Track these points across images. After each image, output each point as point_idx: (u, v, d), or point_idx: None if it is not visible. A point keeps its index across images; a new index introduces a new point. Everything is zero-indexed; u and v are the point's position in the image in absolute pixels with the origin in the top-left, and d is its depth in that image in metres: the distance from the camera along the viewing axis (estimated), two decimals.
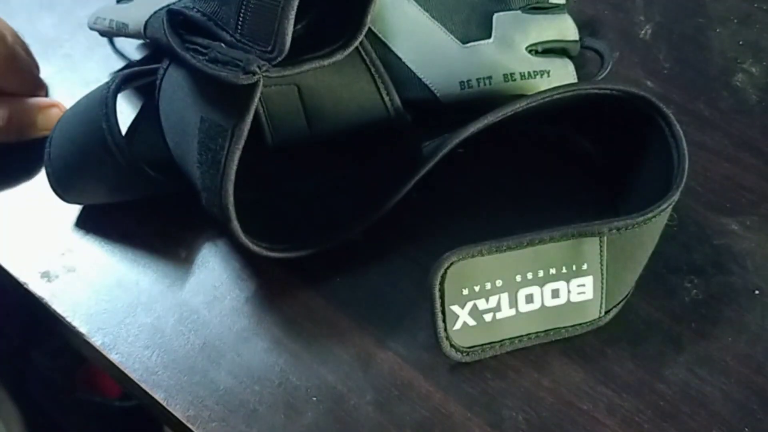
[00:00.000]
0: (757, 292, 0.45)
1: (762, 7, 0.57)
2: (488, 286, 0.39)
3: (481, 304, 0.39)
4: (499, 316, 0.40)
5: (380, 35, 0.48)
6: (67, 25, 0.59)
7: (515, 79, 0.47)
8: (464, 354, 0.40)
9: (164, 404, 0.42)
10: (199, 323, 0.44)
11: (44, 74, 0.55)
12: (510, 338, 0.41)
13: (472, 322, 0.40)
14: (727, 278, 0.45)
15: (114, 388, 0.83)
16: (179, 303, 0.45)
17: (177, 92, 0.43)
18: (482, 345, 0.41)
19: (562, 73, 0.48)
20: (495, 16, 0.48)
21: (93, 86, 0.46)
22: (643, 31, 0.56)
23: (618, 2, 0.58)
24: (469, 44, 0.48)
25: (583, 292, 0.40)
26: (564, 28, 0.50)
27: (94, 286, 0.46)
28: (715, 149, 0.50)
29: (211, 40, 0.41)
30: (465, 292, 0.39)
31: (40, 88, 0.54)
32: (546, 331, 0.41)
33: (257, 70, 0.38)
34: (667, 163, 0.41)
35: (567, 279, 0.40)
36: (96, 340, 0.44)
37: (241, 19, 0.40)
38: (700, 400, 0.41)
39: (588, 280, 0.40)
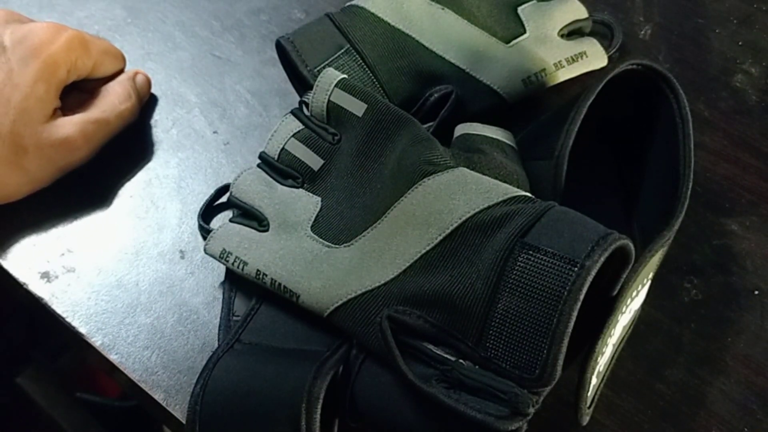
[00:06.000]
0: (756, 292, 0.45)
1: (762, 7, 0.57)
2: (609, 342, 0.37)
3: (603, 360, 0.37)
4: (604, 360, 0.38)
5: (435, 50, 0.49)
6: (67, 25, 0.59)
7: (564, 66, 0.50)
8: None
9: (164, 404, 0.42)
10: (198, 324, 0.44)
11: None
12: (605, 370, 0.39)
13: (595, 381, 0.37)
14: (727, 278, 0.45)
15: (114, 388, 0.83)
16: (179, 303, 0.45)
17: (389, 398, 0.36)
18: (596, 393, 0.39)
19: (594, 51, 0.51)
20: (519, 9, 0.51)
21: None
22: (642, 32, 0.56)
23: (618, 3, 0.58)
24: (511, 43, 0.50)
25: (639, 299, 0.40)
26: (576, 8, 0.53)
27: (94, 286, 0.46)
28: (715, 149, 0.50)
29: (444, 347, 0.35)
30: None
31: (124, 61, 0.53)
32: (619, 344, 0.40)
33: (531, 411, 0.32)
34: (674, 153, 0.41)
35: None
36: (96, 341, 0.44)
37: (485, 334, 0.34)
38: (700, 400, 0.41)
39: (645, 290, 0.40)
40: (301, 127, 0.46)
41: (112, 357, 0.43)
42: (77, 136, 0.46)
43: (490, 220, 0.36)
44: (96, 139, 0.47)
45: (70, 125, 0.46)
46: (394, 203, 0.40)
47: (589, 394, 0.36)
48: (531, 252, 0.33)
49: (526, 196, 0.37)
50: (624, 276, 0.35)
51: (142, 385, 0.42)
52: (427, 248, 0.37)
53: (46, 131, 0.45)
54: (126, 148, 0.51)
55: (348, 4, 0.51)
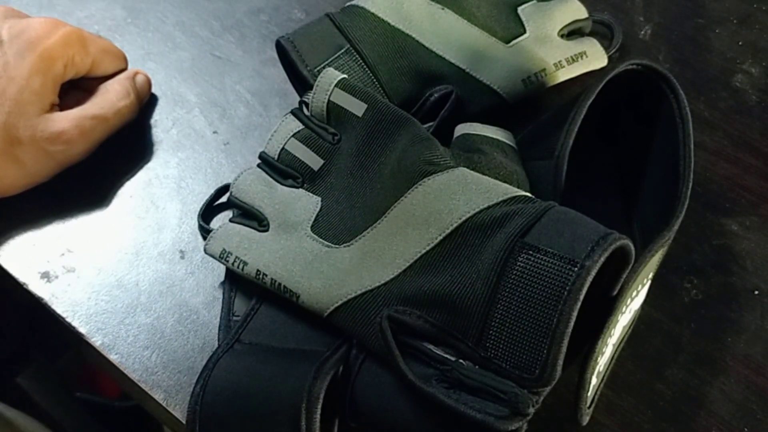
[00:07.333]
0: (756, 292, 0.45)
1: (762, 7, 0.57)
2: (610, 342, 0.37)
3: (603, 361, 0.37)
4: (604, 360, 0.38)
5: (435, 50, 0.49)
6: None
7: (563, 66, 0.50)
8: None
9: (164, 404, 0.42)
10: (198, 324, 0.44)
11: None
12: (605, 370, 0.39)
13: (595, 381, 0.37)
14: (727, 278, 0.45)
15: (114, 388, 0.83)
16: (179, 303, 0.45)
17: (389, 398, 0.36)
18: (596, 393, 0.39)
19: (594, 51, 0.52)
20: (519, 9, 0.51)
21: None
22: (642, 32, 0.56)
23: (618, 3, 0.58)
24: (512, 43, 0.50)
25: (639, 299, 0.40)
26: (576, 9, 0.53)
27: (94, 286, 0.46)
28: (715, 149, 0.50)
29: (444, 347, 0.35)
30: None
31: (125, 61, 0.53)
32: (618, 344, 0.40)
33: (531, 411, 0.32)
34: (674, 153, 0.41)
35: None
36: (96, 341, 0.44)
37: (485, 334, 0.34)
38: (700, 400, 0.41)
39: (645, 290, 0.40)
40: (301, 127, 0.46)
41: (112, 357, 0.43)
42: (73, 131, 0.46)
43: (490, 220, 0.36)
44: (93, 135, 0.47)
45: (66, 120, 0.46)
46: (394, 203, 0.40)
47: (589, 394, 0.36)
48: (531, 252, 0.33)
49: (526, 196, 0.37)
50: (624, 276, 0.35)
51: (142, 385, 0.42)
52: (427, 248, 0.37)
53: (41, 124, 0.45)
54: (126, 148, 0.51)
55: (348, 4, 0.51)
